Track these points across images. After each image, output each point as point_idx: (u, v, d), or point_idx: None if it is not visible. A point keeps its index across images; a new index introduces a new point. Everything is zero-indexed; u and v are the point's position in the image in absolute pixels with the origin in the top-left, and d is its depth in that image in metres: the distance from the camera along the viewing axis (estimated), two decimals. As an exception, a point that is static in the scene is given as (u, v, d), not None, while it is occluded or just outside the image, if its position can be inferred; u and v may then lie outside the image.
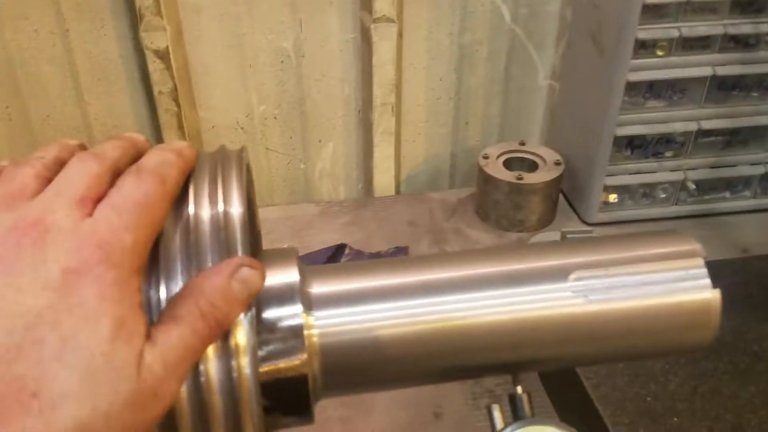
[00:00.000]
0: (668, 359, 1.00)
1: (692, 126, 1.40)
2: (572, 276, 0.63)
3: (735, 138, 1.46)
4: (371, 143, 1.53)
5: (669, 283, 0.63)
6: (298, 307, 0.58)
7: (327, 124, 1.54)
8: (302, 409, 0.58)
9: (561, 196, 1.53)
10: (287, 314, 0.58)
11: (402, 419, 1.09)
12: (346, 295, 0.61)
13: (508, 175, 1.44)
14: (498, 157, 1.50)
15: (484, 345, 0.62)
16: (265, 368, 0.57)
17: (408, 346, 0.60)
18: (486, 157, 1.49)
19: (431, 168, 1.66)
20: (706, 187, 1.49)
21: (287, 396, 0.57)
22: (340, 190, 1.64)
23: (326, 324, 0.60)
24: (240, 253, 0.49)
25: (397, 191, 1.63)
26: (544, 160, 1.49)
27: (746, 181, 1.49)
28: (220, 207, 0.51)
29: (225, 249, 0.49)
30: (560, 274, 0.63)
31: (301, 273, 0.60)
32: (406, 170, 1.64)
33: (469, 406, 1.15)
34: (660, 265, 0.64)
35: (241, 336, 0.47)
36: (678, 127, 1.40)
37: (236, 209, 0.51)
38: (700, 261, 0.64)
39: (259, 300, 0.59)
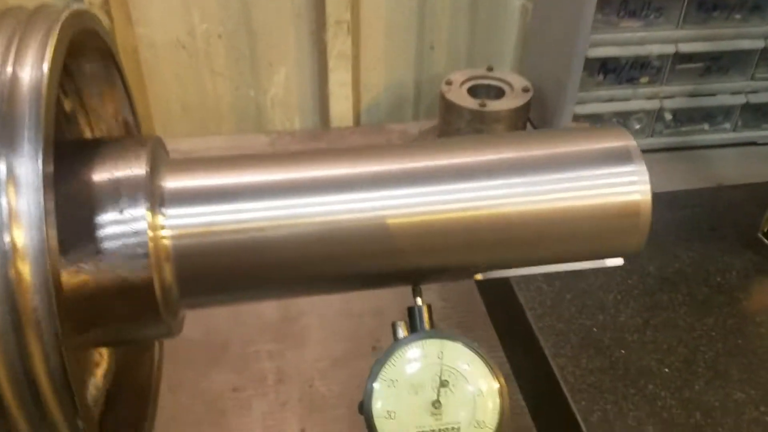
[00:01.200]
0: (620, 290, 0.92)
1: (669, 49, 1.28)
2: (484, 173, 0.54)
3: (715, 64, 1.35)
4: (326, 68, 1.42)
5: (595, 181, 0.54)
6: (140, 204, 0.49)
7: (278, 47, 1.43)
8: (154, 320, 0.50)
9: (528, 126, 1.43)
10: (127, 212, 0.50)
11: (337, 352, 1.02)
12: (208, 191, 0.52)
13: (470, 102, 1.34)
14: (462, 83, 1.39)
15: (373, 250, 0.53)
16: (103, 273, 0.49)
17: (281, 250, 0.52)
18: (449, 83, 1.38)
19: (393, 97, 1.55)
20: (683, 118, 1.39)
21: (133, 306, 0.49)
22: (295, 120, 1.54)
23: (180, 224, 0.51)
24: (30, 133, 0.39)
25: (356, 122, 1.53)
26: (512, 87, 1.38)
27: (726, 112, 1.39)
28: (9, 70, 0.41)
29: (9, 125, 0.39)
30: (471, 173, 0.54)
31: (153, 164, 0.51)
32: (365, 99, 1.54)
33: (413, 341, 1.08)
34: (588, 163, 0.55)
35: (22, 234, 0.38)
36: (654, 49, 1.29)
37: (32, 74, 0.41)
38: (633, 159, 0.55)
39: (97, 195, 0.50)
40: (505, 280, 0.94)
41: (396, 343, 0.53)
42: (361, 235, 0.51)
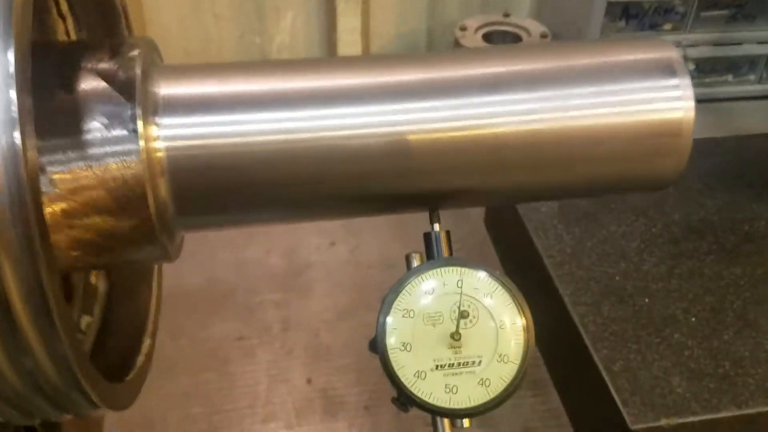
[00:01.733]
0: (643, 239, 0.87)
1: (695, -8, 1.22)
2: (513, 85, 0.49)
3: (741, 11, 1.28)
4: (335, 13, 1.36)
5: (633, 95, 0.49)
6: (131, 111, 0.45)
7: (285, -10, 1.36)
8: (148, 240, 0.45)
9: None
10: (117, 119, 0.45)
11: (343, 303, 0.98)
12: (207, 99, 0.47)
13: (485, 50, 1.28)
14: (477, 30, 1.33)
15: (388, 169, 0.48)
16: (89, 185, 0.44)
17: (287, 167, 0.47)
18: (463, 29, 1.31)
19: (404, 45, 1.48)
20: (707, 68, 1.32)
21: (124, 224, 0.44)
22: (302, 69, 1.48)
23: (176, 135, 0.46)
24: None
25: None
26: (529, 33, 1.31)
27: (752, 62, 1.32)
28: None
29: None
30: (499, 84, 0.49)
31: (145, 68, 0.46)
32: (375, 47, 1.47)
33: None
34: (627, 75, 0.49)
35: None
36: (679, -8, 1.22)
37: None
38: (676, 72, 0.49)
39: (84, 100, 0.45)
40: (522, 228, 0.90)
41: (411, 271, 0.48)
42: (376, 153, 0.46)
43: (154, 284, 0.56)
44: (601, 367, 0.73)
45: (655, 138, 0.49)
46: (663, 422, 0.69)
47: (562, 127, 0.47)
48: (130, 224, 0.44)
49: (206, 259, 1.04)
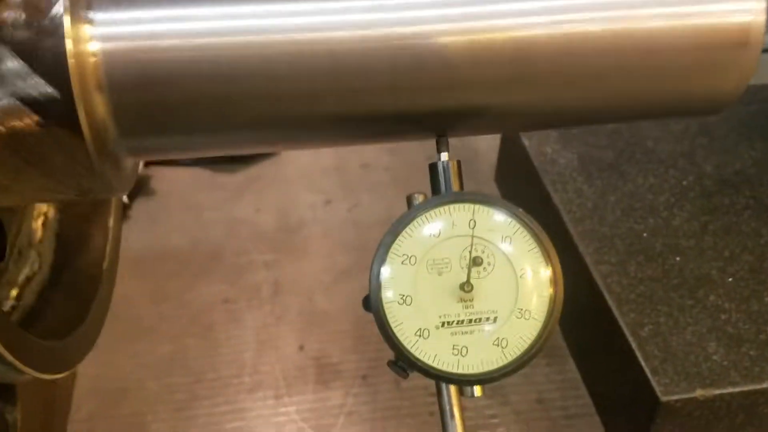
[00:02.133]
0: (673, 192, 0.78)
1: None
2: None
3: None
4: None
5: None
6: (55, 4, 0.36)
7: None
8: (83, 168, 0.37)
9: None
10: (35, 12, 0.35)
11: (340, 265, 0.90)
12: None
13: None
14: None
15: (386, 81, 0.39)
16: (5, 104, 0.35)
17: (264, 74, 0.38)
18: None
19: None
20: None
21: (50, 148, 0.36)
22: None
23: (115, 34, 0.37)
24: None
25: None
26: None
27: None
28: None
29: None
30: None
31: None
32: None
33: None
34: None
35: None
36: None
37: None
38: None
39: None
40: (538, 182, 0.81)
41: (413, 208, 0.40)
42: (371, 60, 0.37)
43: (111, 224, 0.48)
44: (627, 332, 0.65)
45: (716, 47, 0.40)
46: (698, 393, 0.61)
47: (602, 31, 0.38)
48: (57, 151, 0.35)
49: (191, 218, 0.96)
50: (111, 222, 0.48)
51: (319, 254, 0.91)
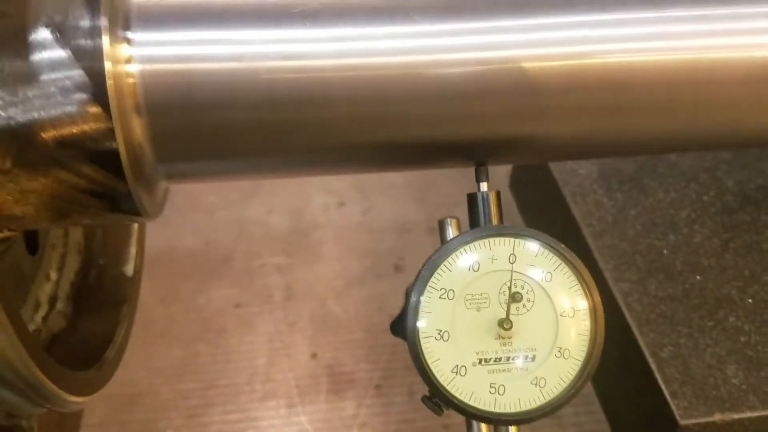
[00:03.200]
0: (694, 207, 0.78)
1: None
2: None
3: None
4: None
5: None
6: (93, 22, 0.34)
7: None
8: (118, 193, 0.36)
9: None
10: (73, 34, 0.34)
11: (354, 270, 0.89)
12: (196, 8, 0.37)
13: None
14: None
15: (433, 112, 0.38)
16: (38, 120, 0.34)
17: (308, 102, 0.37)
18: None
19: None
20: None
21: (86, 172, 0.35)
22: None
23: (155, 56, 0.36)
24: None
25: None
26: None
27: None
28: None
29: None
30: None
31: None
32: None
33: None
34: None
35: None
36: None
37: None
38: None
39: (28, 7, 0.35)
40: (557, 193, 0.80)
41: (452, 241, 0.39)
42: (419, 90, 0.36)
43: (134, 246, 0.47)
44: (646, 352, 0.65)
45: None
46: (717, 417, 0.61)
47: (701, 60, 0.37)
48: (92, 174, 0.34)
49: (202, 220, 0.95)
50: (135, 242, 0.47)
51: (331, 258, 0.91)
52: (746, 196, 0.80)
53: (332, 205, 0.98)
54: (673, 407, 0.61)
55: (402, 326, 0.40)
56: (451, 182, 0.98)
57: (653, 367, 0.64)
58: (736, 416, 0.62)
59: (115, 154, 0.33)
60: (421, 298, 0.38)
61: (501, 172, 1.02)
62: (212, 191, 0.98)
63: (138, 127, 0.35)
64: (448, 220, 0.43)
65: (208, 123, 0.35)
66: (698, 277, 0.71)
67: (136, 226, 0.48)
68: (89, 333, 0.42)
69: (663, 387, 0.63)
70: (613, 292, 0.70)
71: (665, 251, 0.74)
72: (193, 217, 0.94)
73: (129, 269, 0.46)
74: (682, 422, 0.61)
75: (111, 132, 0.33)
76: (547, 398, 0.37)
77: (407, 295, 0.41)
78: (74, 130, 0.33)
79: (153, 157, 0.36)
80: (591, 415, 0.74)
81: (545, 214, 0.87)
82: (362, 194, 1.00)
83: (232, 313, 0.82)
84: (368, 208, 0.98)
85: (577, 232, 0.76)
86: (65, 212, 0.36)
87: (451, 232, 0.42)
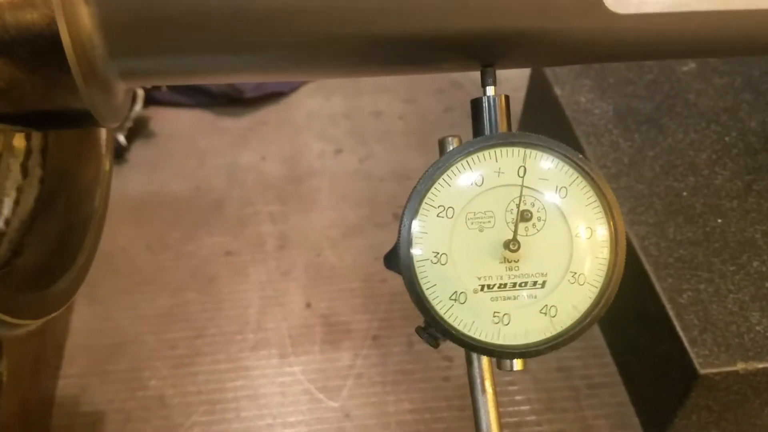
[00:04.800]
0: (715, 149, 0.72)
1: None
2: None
3: None
4: None
5: None
6: None
7: None
8: (65, 91, 0.31)
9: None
10: None
11: (350, 219, 0.84)
12: None
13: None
14: None
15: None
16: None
17: None
18: None
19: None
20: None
21: (27, 66, 0.30)
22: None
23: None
24: None
25: None
26: None
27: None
28: None
29: None
30: None
31: None
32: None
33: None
34: None
35: None
36: None
37: None
38: None
39: None
40: (570, 134, 0.75)
41: (452, 151, 0.34)
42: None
43: (103, 158, 0.42)
44: (664, 298, 0.60)
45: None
46: (739, 367, 0.57)
47: None
48: (38, 74, 0.29)
49: (193, 164, 0.90)
50: (102, 163, 0.42)
51: (327, 207, 0.86)
52: (772, 137, 0.75)
53: (328, 153, 0.93)
54: (692, 355, 0.57)
55: (396, 253, 0.35)
56: (453, 129, 0.93)
57: (671, 313, 0.59)
58: (760, 366, 0.57)
59: (61, 48, 0.28)
60: (416, 219, 0.33)
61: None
62: (204, 134, 0.93)
63: (85, 18, 0.30)
64: (450, 138, 0.38)
65: (169, 10, 0.30)
66: (720, 220, 0.66)
67: (102, 145, 0.43)
68: (45, 256, 0.38)
69: (681, 334, 0.58)
70: (629, 236, 0.65)
71: (685, 193, 0.69)
72: (183, 163, 0.89)
73: (93, 193, 0.42)
74: (702, 371, 0.57)
75: (53, 22, 0.28)
76: (558, 329, 0.33)
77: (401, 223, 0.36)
78: (10, 20, 0.28)
79: (105, 50, 0.31)
80: (602, 367, 0.70)
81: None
82: (360, 141, 0.94)
83: (223, 261, 0.78)
84: (366, 155, 0.92)
85: (589, 173, 0.71)
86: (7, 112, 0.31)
87: (450, 148, 0.37)
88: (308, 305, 0.74)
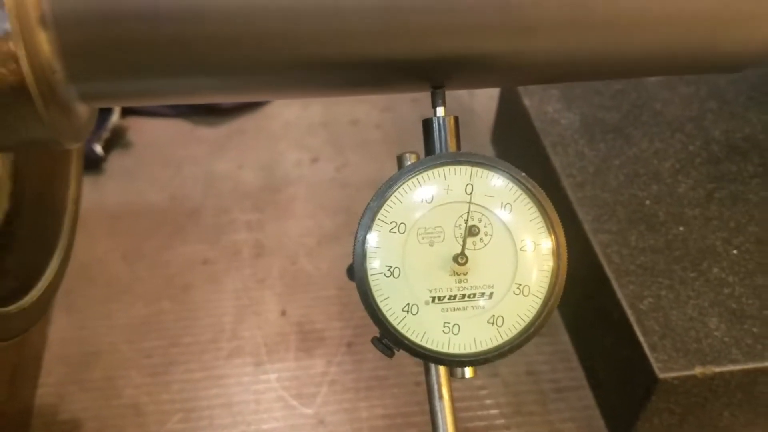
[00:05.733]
0: (679, 158, 0.74)
1: None
2: None
3: None
4: None
5: None
6: None
7: None
8: (28, 117, 0.32)
9: None
10: None
11: (326, 227, 0.86)
12: None
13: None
14: None
15: (381, 25, 0.34)
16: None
17: (238, 13, 0.33)
18: None
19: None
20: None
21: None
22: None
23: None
24: None
25: None
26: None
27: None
28: None
29: None
30: None
31: None
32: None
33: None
34: None
35: None
36: None
37: None
38: None
39: None
40: (537, 144, 0.77)
41: (403, 169, 0.36)
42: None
43: (71, 180, 0.43)
44: (625, 304, 0.62)
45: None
46: (697, 371, 0.58)
47: None
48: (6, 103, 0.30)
49: (170, 173, 0.91)
50: (72, 177, 0.43)
51: (303, 215, 0.87)
52: (733, 146, 0.77)
53: (305, 161, 0.94)
54: (652, 360, 0.59)
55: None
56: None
57: (632, 319, 0.61)
58: (717, 369, 0.59)
59: (20, 74, 0.29)
60: (370, 234, 0.35)
61: (483, 127, 0.99)
62: (181, 144, 0.94)
63: (44, 44, 0.31)
64: (407, 154, 0.40)
65: (118, 35, 0.31)
66: (681, 228, 0.68)
67: (73, 158, 0.44)
68: (16, 268, 0.39)
69: (642, 339, 0.60)
70: (592, 243, 0.67)
71: (648, 201, 0.71)
72: (160, 171, 0.90)
73: (66, 202, 0.43)
74: (661, 375, 0.58)
75: (12, 51, 0.29)
76: (505, 337, 0.34)
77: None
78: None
79: (64, 75, 0.32)
80: (569, 371, 0.72)
81: (525, 167, 0.84)
82: (336, 150, 0.96)
83: (198, 270, 0.79)
84: (343, 164, 0.94)
85: (557, 183, 0.73)
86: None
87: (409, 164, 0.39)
88: (283, 313, 0.75)
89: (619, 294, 0.63)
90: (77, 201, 0.45)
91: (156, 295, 0.76)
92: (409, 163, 0.39)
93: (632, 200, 0.71)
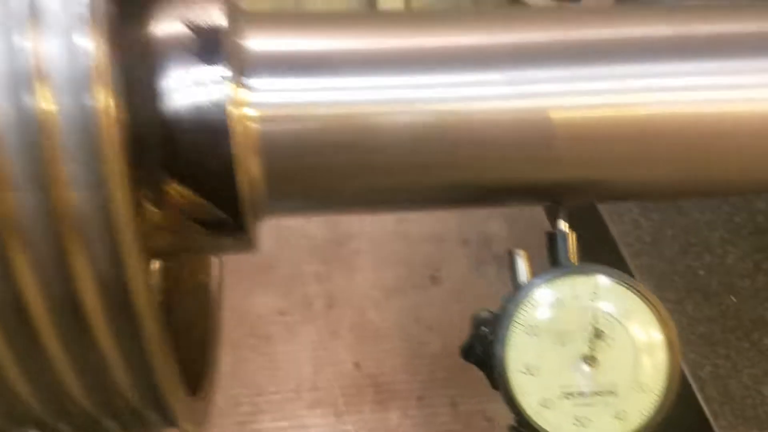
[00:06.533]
0: (726, 228, 0.80)
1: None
2: (681, 52, 0.40)
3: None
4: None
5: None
6: (216, 69, 0.36)
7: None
8: (232, 226, 0.38)
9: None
10: (197, 81, 0.36)
11: (389, 281, 0.91)
12: (309, 57, 0.39)
13: None
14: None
15: (516, 155, 0.40)
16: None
17: (402, 141, 0.39)
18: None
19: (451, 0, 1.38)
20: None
21: (208, 207, 0.37)
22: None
23: (272, 102, 0.38)
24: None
25: (408, 4, 1.36)
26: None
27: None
28: None
29: None
30: (664, 50, 0.40)
31: (232, 16, 0.38)
32: (417, 1, 1.36)
33: (473, 272, 0.97)
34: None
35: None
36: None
37: None
38: None
39: (155, 55, 0.37)
40: (594, 213, 0.82)
41: (535, 279, 0.41)
42: (504, 134, 0.39)
43: (215, 272, 0.49)
44: (688, 373, 0.67)
45: None
46: (754, 436, 0.64)
47: (743, 111, 0.39)
48: (215, 210, 0.36)
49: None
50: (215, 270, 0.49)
51: (368, 267, 0.93)
52: (777, 218, 0.83)
53: (367, 215, 1.00)
54: (715, 427, 0.64)
55: (477, 354, 0.43)
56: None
57: (694, 387, 0.67)
58: (772, 435, 0.65)
59: (234, 190, 0.35)
60: (509, 333, 0.40)
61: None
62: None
63: (255, 166, 0.37)
64: (517, 251, 0.45)
65: (320, 166, 0.37)
66: (733, 298, 0.74)
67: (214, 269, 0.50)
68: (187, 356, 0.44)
69: (704, 406, 0.65)
70: (653, 311, 0.72)
71: (701, 272, 0.76)
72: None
73: (210, 285, 0.48)
74: (722, 440, 0.64)
75: (232, 171, 0.35)
76: (629, 430, 0.40)
77: (475, 323, 0.44)
78: (198, 170, 0.35)
79: (266, 193, 0.38)
80: None
81: (581, 235, 0.89)
82: (397, 204, 1.01)
83: (276, 320, 0.84)
84: (403, 217, 1.00)
85: (615, 251, 0.78)
86: (179, 241, 0.38)
87: (520, 264, 0.44)
88: (357, 365, 0.81)
89: (682, 363, 0.68)
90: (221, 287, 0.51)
91: (240, 344, 0.81)
92: (519, 260, 0.45)
93: (687, 270, 0.76)
